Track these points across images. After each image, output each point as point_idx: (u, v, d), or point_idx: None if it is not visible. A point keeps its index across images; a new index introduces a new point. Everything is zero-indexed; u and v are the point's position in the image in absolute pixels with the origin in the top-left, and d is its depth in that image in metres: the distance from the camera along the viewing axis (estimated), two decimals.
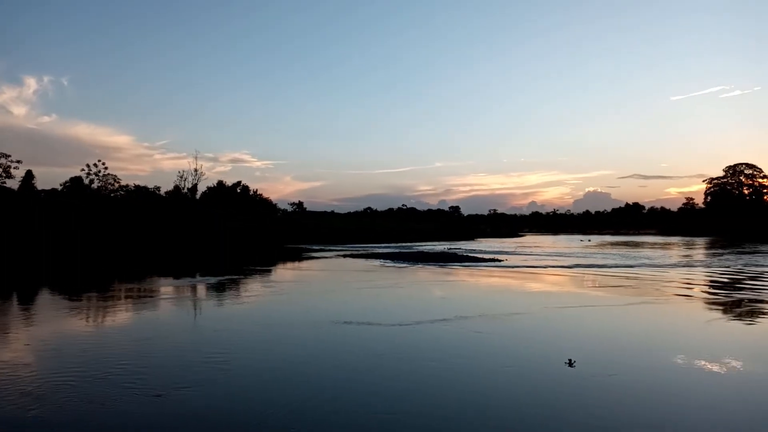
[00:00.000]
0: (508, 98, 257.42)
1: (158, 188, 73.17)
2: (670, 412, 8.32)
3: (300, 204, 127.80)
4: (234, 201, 75.85)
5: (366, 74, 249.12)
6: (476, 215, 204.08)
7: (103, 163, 64.65)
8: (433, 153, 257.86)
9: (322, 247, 64.40)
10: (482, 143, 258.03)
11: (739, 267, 36.25)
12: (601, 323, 16.24)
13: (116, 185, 66.59)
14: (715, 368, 10.70)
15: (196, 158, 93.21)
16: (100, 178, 64.07)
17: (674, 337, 14.24)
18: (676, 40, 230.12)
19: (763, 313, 18.00)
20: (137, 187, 70.38)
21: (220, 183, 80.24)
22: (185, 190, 71.70)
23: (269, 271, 35.65)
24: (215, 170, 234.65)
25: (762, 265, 37.22)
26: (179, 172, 77.52)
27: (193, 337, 14.23)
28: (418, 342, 13.37)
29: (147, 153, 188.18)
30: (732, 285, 26.31)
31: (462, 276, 30.70)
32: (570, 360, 10.97)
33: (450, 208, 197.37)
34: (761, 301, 20.59)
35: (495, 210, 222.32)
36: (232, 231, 65.69)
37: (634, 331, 15.01)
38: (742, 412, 8.39)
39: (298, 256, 49.65)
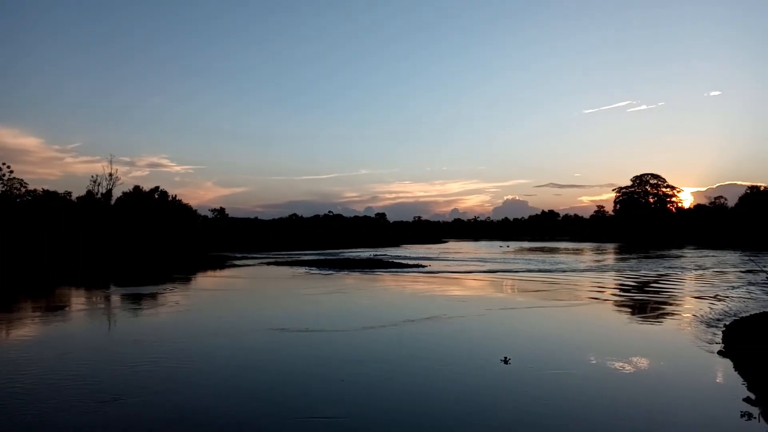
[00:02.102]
0: (430, 109, 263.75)
1: (69, 193, 68.98)
2: (592, 403, 9.25)
3: (222, 210, 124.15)
4: (152, 207, 72.91)
5: (287, 79, 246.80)
6: (402, 222, 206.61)
7: (8, 167, 60.31)
8: (358, 160, 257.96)
9: (246, 255, 63.23)
10: (407, 152, 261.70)
11: (645, 271, 38.94)
12: (529, 325, 17.41)
13: (23, 190, 62.38)
14: (627, 365, 11.90)
15: (111, 162, 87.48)
16: (5, 183, 59.85)
17: (591, 336, 15.58)
18: (588, 56, 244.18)
19: (667, 314, 19.60)
20: (45, 191, 66.18)
21: (137, 188, 76.72)
22: (99, 195, 68.26)
23: (196, 279, 34.89)
24: (132, 175, 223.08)
25: (665, 268, 40.18)
26: (93, 176, 73.47)
27: (127, 349, 13.84)
28: (366, 346, 13.81)
29: (57, 156, 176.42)
30: (639, 288, 28.33)
31: (388, 282, 31.24)
32: (505, 358, 11.92)
33: (376, 215, 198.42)
34: (664, 303, 22.38)
35: (419, 217, 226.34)
36: (154, 238, 63.34)
37: (558, 331, 16.20)
38: (647, 399, 9.44)
39: (221, 264, 48.61)
